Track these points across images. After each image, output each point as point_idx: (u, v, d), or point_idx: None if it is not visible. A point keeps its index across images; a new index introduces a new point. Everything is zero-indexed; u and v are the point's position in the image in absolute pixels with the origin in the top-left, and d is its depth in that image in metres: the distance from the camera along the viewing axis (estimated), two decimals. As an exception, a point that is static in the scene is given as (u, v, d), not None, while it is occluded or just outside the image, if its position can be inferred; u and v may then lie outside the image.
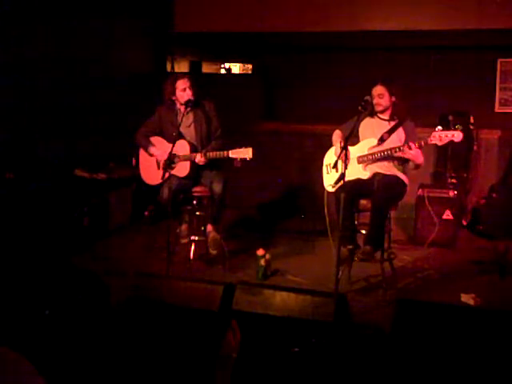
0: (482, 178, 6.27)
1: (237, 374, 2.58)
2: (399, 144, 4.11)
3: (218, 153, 4.35)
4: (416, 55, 6.66)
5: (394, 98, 4.24)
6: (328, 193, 4.34)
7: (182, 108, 4.52)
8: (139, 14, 6.88)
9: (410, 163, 4.19)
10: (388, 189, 4.10)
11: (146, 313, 2.98)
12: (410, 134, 4.16)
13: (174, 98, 4.52)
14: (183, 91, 4.47)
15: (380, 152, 4.16)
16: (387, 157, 4.16)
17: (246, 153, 4.22)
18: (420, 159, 4.11)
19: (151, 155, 4.62)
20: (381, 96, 4.23)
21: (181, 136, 4.50)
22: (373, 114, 4.32)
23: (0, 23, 5.00)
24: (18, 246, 4.42)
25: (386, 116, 4.30)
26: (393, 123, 4.27)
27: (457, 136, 3.90)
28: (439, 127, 4.07)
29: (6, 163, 4.99)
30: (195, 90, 4.50)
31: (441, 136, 3.92)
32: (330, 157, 4.44)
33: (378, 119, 4.32)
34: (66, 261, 4.53)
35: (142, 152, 4.70)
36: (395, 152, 4.09)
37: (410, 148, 4.01)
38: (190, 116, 4.58)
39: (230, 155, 4.27)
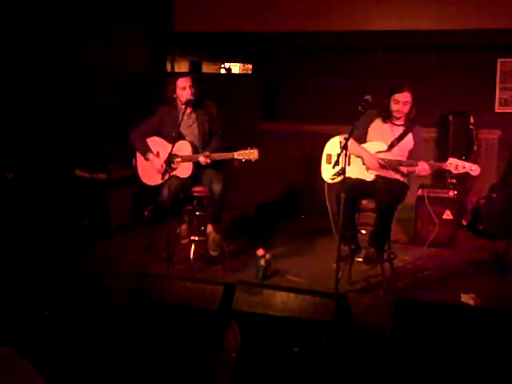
0: (482, 178, 6.26)
1: (237, 373, 2.58)
2: (407, 150, 4.12)
3: (222, 154, 4.34)
4: (416, 55, 6.66)
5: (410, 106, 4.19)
6: (328, 191, 4.31)
7: (184, 107, 4.50)
8: (139, 13, 6.88)
9: (416, 173, 4.15)
10: (392, 193, 4.07)
11: (145, 313, 2.98)
12: (418, 142, 4.13)
13: (175, 96, 4.52)
14: (183, 90, 4.46)
15: (391, 161, 4.11)
16: (396, 166, 4.13)
17: (252, 154, 4.22)
18: (427, 174, 4.06)
19: (147, 160, 4.59)
20: (406, 103, 4.13)
21: (181, 136, 4.50)
22: (386, 118, 4.25)
23: (0, 24, 5.00)
24: (18, 246, 4.42)
25: (400, 122, 4.24)
26: (402, 129, 4.22)
27: (475, 170, 3.86)
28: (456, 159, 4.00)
29: (5, 163, 4.99)
30: (196, 89, 4.49)
31: (457, 165, 3.87)
32: (333, 147, 4.39)
33: (392, 125, 4.24)
34: (66, 261, 4.54)
35: (139, 154, 4.67)
36: (412, 165, 4.03)
37: (423, 167, 3.96)
38: (192, 116, 4.58)
39: (236, 156, 4.26)
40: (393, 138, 4.20)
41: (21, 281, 3.13)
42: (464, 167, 3.87)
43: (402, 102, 4.14)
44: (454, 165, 3.89)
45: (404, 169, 4.12)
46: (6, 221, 4.64)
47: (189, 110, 4.53)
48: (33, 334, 2.71)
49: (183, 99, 4.46)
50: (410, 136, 4.19)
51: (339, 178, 3.68)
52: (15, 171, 4.97)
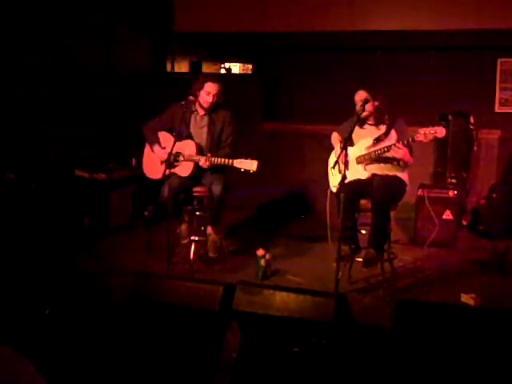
0: (482, 178, 6.27)
1: (237, 374, 2.58)
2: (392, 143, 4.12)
3: (222, 160, 4.34)
4: (416, 55, 6.66)
5: (376, 103, 4.22)
6: (331, 193, 4.33)
7: (199, 109, 4.54)
8: (139, 13, 6.89)
9: (401, 163, 4.19)
10: (387, 189, 4.09)
11: (146, 313, 2.98)
12: (402, 133, 4.14)
13: (198, 93, 4.51)
14: (207, 94, 4.48)
15: (374, 151, 4.16)
16: (381, 156, 4.16)
17: (251, 165, 4.22)
18: (407, 157, 4.12)
19: (153, 152, 4.62)
20: (366, 102, 4.16)
21: (190, 136, 4.51)
22: (361, 123, 4.27)
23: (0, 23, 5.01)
24: (18, 246, 4.42)
25: (373, 122, 4.29)
26: (383, 126, 4.27)
27: (440, 132, 3.91)
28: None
29: (6, 163, 4.99)
30: (219, 97, 4.51)
31: (425, 133, 3.93)
32: (333, 159, 4.44)
33: (368, 126, 4.30)
34: (67, 261, 4.54)
35: (147, 145, 4.70)
36: (386, 151, 4.10)
37: (398, 147, 4.04)
38: (205, 119, 4.60)
39: (235, 164, 4.27)
40: (375, 136, 4.23)
41: (21, 281, 3.13)
42: (430, 132, 3.91)
43: (358, 101, 4.21)
44: (423, 134, 3.93)
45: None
46: (6, 221, 4.64)
47: (202, 112, 4.56)
48: (33, 334, 2.71)
49: (202, 102, 4.49)
50: (392, 131, 4.22)
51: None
52: (15, 171, 4.97)
